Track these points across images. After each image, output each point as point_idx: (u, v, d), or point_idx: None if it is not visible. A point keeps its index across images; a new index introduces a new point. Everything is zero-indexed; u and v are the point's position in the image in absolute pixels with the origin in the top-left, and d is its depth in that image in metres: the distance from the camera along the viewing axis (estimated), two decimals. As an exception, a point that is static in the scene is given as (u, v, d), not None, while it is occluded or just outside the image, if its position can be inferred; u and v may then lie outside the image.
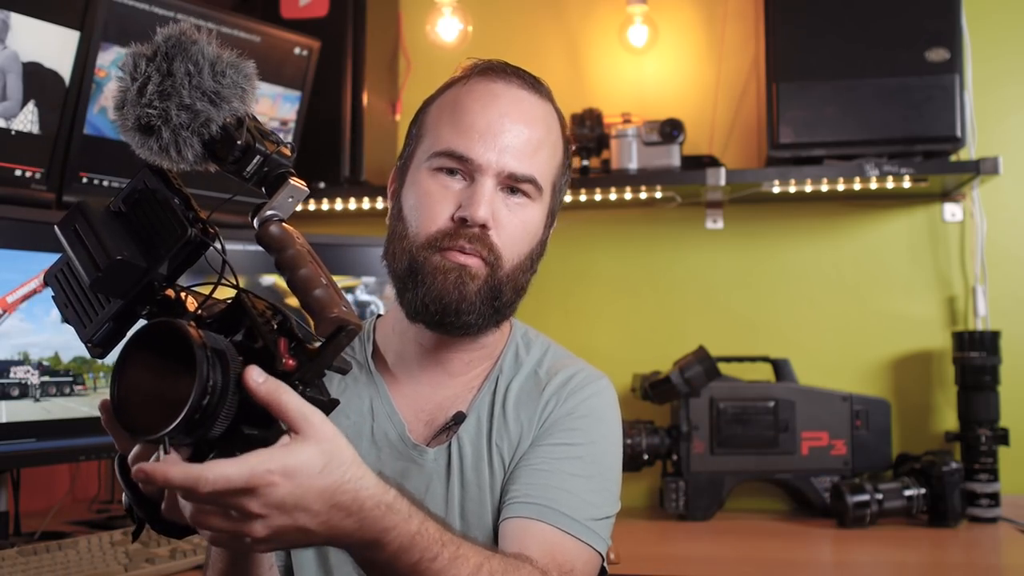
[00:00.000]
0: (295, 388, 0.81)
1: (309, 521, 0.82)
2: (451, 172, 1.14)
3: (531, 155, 1.15)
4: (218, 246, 0.84)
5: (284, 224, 0.87)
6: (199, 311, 0.85)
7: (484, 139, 1.13)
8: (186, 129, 0.80)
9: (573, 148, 2.37)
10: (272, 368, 0.81)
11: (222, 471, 0.77)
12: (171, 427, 0.76)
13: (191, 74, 0.80)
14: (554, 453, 1.15)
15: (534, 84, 1.20)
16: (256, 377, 0.80)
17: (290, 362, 0.81)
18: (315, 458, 0.81)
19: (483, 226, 1.12)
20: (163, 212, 0.82)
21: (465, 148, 1.13)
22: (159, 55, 0.80)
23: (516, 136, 1.14)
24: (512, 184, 1.15)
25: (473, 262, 1.13)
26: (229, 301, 0.87)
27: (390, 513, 0.86)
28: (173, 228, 0.81)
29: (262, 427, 0.81)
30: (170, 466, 0.77)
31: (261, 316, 0.83)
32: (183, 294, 0.86)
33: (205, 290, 0.87)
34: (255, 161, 0.85)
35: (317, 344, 0.83)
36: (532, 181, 1.15)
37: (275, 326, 0.83)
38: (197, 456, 0.80)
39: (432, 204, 1.14)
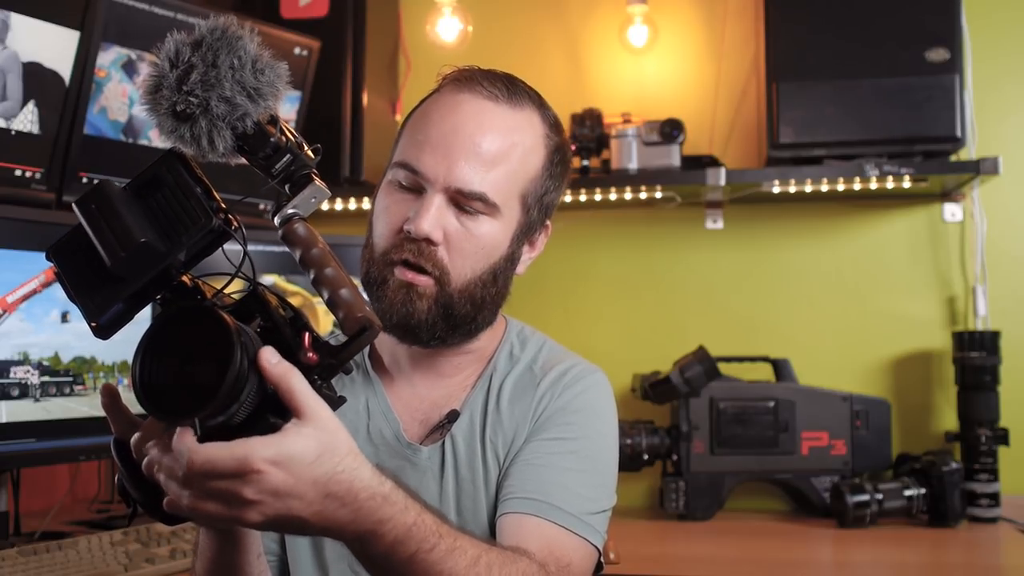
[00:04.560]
0: (313, 382, 0.83)
1: (303, 510, 0.82)
2: (406, 185, 1.13)
3: (485, 170, 1.11)
4: (239, 238, 0.84)
5: (307, 223, 0.89)
6: (215, 300, 0.85)
7: (435, 152, 1.11)
8: (223, 121, 0.81)
9: (573, 148, 2.38)
10: (294, 361, 0.82)
11: (208, 454, 0.78)
12: (205, 410, 0.77)
13: (235, 68, 0.81)
14: (549, 448, 1.15)
15: (506, 92, 1.15)
16: (270, 358, 0.81)
17: (313, 356, 0.83)
18: (310, 447, 0.81)
19: (428, 240, 1.11)
20: (186, 199, 0.83)
21: (416, 161, 1.12)
22: (205, 45, 0.81)
23: (470, 150, 1.11)
24: (464, 202, 1.12)
25: (421, 280, 1.12)
26: (236, 294, 0.87)
27: (386, 504, 0.86)
28: (197, 216, 0.82)
29: (286, 416, 0.82)
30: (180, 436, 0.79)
31: (276, 310, 0.85)
32: (199, 282, 0.86)
33: (216, 282, 0.88)
34: (285, 159, 0.87)
35: (338, 341, 0.85)
36: (481, 199, 1.12)
37: (288, 321, 0.85)
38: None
39: (386, 217, 1.14)
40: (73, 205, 0.83)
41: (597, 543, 1.13)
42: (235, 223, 0.84)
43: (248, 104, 0.82)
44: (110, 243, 0.80)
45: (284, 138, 0.87)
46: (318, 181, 0.89)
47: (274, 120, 0.86)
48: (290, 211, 0.89)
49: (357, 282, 0.94)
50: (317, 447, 0.81)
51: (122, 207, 0.81)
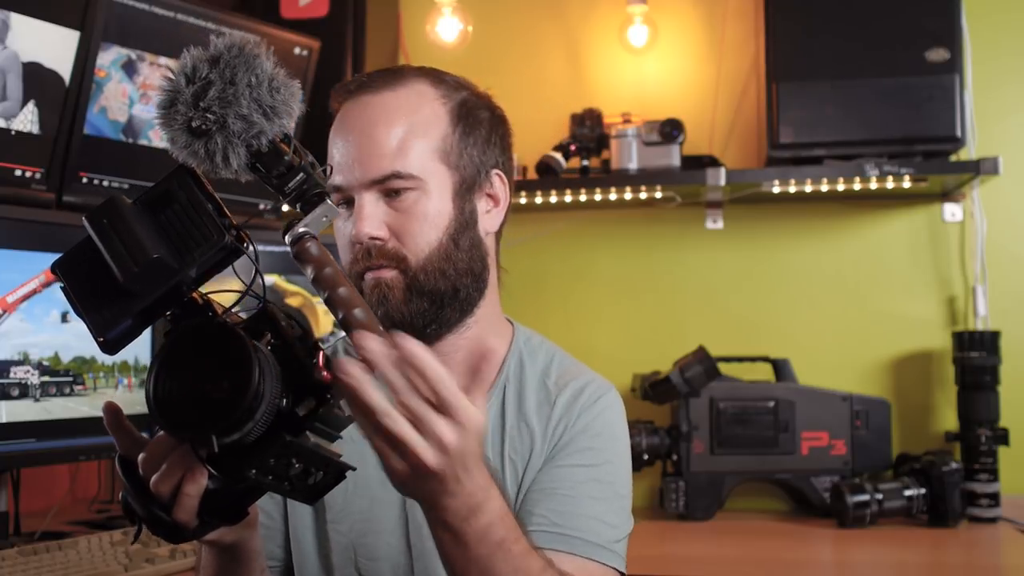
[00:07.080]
0: (327, 400, 0.82)
1: (457, 477, 0.85)
2: (342, 207, 1.17)
3: (393, 153, 1.14)
4: (251, 256, 0.84)
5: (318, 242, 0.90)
6: (225, 318, 0.85)
7: (344, 163, 1.15)
8: (238, 138, 0.82)
9: (573, 148, 2.37)
10: (309, 379, 0.82)
11: (442, 371, 0.82)
12: (220, 427, 0.77)
13: (252, 85, 0.81)
14: (574, 476, 1.15)
15: (382, 79, 1.19)
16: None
17: (327, 375, 0.82)
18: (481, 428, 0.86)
19: (375, 239, 1.13)
20: (198, 216, 0.83)
21: (336, 180, 1.16)
22: (223, 62, 0.81)
23: (367, 145, 1.14)
24: (386, 188, 1.14)
25: (385, 274, 1.13)
26: (239, 304, 0.87)
27: (493, 480, 0.89)
28: (209, 232, 0.82)
29: (299, 435, 0.82)
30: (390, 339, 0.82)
31: (287, 329, 0.85)
32: (209, 299, 0.86)
33: (223, 298, 0.87)
34: (298, 178, 0.88)
35: (347, 344, 0.84)
36: (396, 175, 1.14)
37: (298, 339, 0.85)
38: (228, 463, 0.81)
39: (340, 240, 1.18)
40: (83, 219, 0.82)
41: (621, 568, 1.15)
42: (246, 240, 0.84)
43: (264, 122, 0.82)
44: (122, 258, 0.79)
45: (298, 157, 0.87)
46: (330, 200, 0.90)
47: (288, 139, 0.86)
48: (301, 230, 0.90)
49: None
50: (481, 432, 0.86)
51: (134, 222, 0.81)
